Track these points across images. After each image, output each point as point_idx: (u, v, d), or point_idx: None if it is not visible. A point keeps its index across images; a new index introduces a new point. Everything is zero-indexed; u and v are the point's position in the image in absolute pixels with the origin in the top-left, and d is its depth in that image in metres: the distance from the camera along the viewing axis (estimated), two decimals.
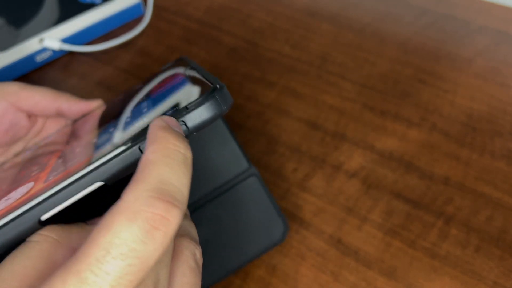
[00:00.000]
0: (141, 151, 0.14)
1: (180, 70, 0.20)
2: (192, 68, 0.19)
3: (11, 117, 0.20)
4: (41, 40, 0.36)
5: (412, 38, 0.39)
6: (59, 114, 0.22)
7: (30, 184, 0.16)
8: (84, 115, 0.23)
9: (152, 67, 0.37)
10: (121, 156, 0.14)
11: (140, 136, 0.14)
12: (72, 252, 0.13)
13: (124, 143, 0.15)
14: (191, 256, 0.14)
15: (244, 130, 0.32)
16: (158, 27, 0.41)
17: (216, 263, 0.22)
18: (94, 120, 0.21)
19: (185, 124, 0.14)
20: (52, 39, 0.36)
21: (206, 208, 0.22)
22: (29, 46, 0.36)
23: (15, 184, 0.17)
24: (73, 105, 0.22)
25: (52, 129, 0.23)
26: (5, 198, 0.16)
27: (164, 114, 0.15)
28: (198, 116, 0.14)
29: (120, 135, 0.16)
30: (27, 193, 0.15)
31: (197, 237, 0.15)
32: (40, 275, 0.12)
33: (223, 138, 0.21)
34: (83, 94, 0.35)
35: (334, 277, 0.24)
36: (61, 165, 0.16)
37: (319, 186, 0.28)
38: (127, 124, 0.17)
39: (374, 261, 0.24)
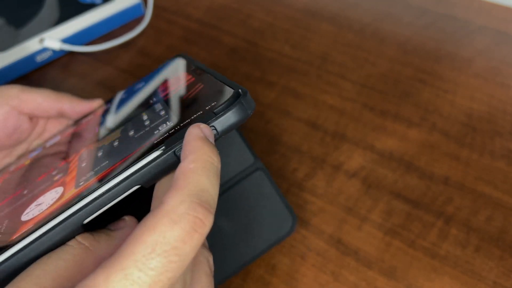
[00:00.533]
0: (177, 156, 0.15)
1: (193, 72, 0.20)
2: (206, 72, 0.19)
3: (14, 121, 0.21)
4: (41, 40, 0.36)
5: (412, 38, 0.39)
6: (61, 115, 0.22)
7: (60, 189, 0.16)
8: (86, 115, 0.23)
9: (152, 67, 0.37)
10: (157, 160, 0.15)
11: (175, 141, 0.15)
12: (100, 260, 0.14)
13: (157, 148, 0.15)
14: (206, 262, 0.15)
15: (244, 130, 0.32)
16: (158, 27, 0.41)
17: (227, 259, 0.22)
18: (98, 119, 0.21)
19: (216, 129, 0.15)
20: (52, 39, 0.36)
21: None
22: (29, 46, 0.36)
23: (36, 188, 0.17)
24: (75, 106, 0.22)
25: (53, 130, 0.23)
26: (36, 202, 0.16)
27: (192, 118, 0.16)
28: (226, 121, 0.15)
29: (140, 138, 0.17)
30: (60, 197, 0.16)
31: (207, 244, 0.16)
32: (71, 278, 0.13)
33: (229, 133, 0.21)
34: (84, 94, 0.35)
35: (334, 277, 0.24)
36: (87, 169, 0.17)
37: (319, 186, 0.28)
38: (143, 124, 0.18)
39: (374, 261, 0.24)
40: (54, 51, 0.37)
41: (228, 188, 0.22)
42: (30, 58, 0.36)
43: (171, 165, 0.15)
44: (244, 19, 0.42)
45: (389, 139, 0.30)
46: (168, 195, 0.13)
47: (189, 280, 0.14)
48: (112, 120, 0.21)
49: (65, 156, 0.20)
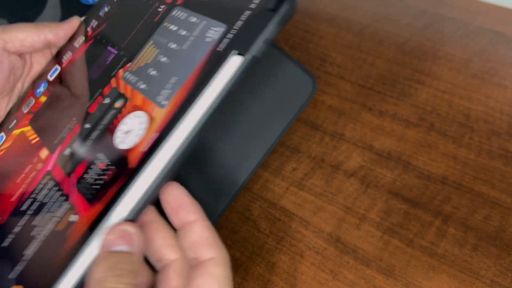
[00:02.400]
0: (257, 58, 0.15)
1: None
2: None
3: (7, 62, 0.20)
4: None
5: (411, 39, 0.39)
6: (46, 45, 0.22)
7: (142, 113, 0.16)
8: (68, 38, 0.22)
9: None
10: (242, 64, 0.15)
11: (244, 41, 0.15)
12: None
13: (228, 53, 0.15)
14: None
15: None
16: None
17: (264, 131, 0.22)
18: (97, 42, 0.20)
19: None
20: None
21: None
22: None
23: (97, 119, 0.17)
24: (58, 31, 0.22)
25: (40, 62, 0.22)
26: (121, 131, 0.16)
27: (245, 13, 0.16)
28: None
29: (190, 49, 0.16)
30: (152, 120, 0.15)
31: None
32: None
33: None
34: None
35: (333, 275, 0.24)
36: (156, 88, 0.16)
37: (318, 186, 0.28)
38: (178, 34, 0.17)
39: (372, 259, 0.24)
40: None
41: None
42: None
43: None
44: None
45: (388, 139, 0.31)
46: None
47: None
48: (118, 39, 0.19)
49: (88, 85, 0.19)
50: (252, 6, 0.16)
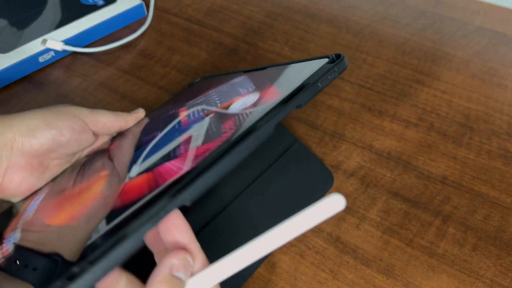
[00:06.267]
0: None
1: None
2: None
3: (85, 138, 0.24)
4: (44, 41, 0.36)
5: (410, 39, 0.39)
6: (118, 131, 0.27)
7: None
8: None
9: (153, 68, 0.38)
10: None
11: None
12: None
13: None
14: None
15: None
16: (159, 28, 0.42)
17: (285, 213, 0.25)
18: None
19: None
20: (54, 40, 0.36)
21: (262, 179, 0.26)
22: (32, 47, 0.36)
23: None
24: (129, 121, 0.27)
25: (104, 138, 0.27)
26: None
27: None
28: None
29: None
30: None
31: None
32: None
33: None
34: (86, 94, 0.35)
35: (333, 275, 0.24)
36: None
37: None
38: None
39: (372, 259, 0.24)
40: (56, 52, 0.37)
41: (273, 162, 0.26)
42: (33, 58, 0.36)
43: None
44: (244, 20, 0.42)
45: (387, 139, 0.31)
46: None
47: None
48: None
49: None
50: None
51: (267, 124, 0.18)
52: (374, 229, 0.26)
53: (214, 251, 0.19)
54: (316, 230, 0.26)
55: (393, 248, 0.25)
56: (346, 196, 0.27)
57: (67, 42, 0.37)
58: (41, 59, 0.37)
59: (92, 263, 0.14)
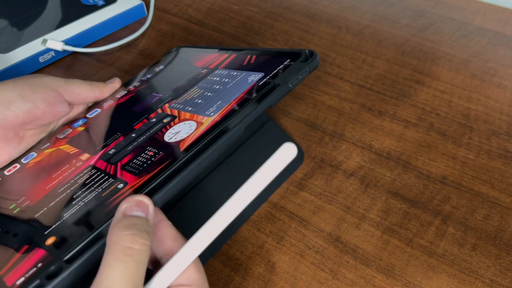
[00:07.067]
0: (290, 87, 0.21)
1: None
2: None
3: (60, 107, 0.24)
4: (44, 41, 0.36)
5: (410, 40, 0.39)
6: (94, 100, 0.27)
7: (191, 122, 0.21)
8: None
9: None
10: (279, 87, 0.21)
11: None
12: None
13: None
14: None
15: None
16: (159, 28, 0.42)
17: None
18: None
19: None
20: (54, 40, 0.36)
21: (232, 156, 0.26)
22: (32, 47, 0.36)
23: (145, 132, 0.22)
24: (105, 91, 0.27)
25: (78, 109, 0.27)
26: (172, 131, 0.21)
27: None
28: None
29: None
30: (198, 127, 0.21)
31: None
32: None
33: None
34: None
35: (332, 275, 0.24)
36: (204, 106, 0.23)
37: (318, 185, 0.28)
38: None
39: (372, 259, 0.24)
40: (56, 52, 0.37)
41: (245, 140, 0.26)
42: (33, 58, 0.36)
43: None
44: (244, 20, 0.42)
45: (387, 139, 0.31)
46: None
47: None
48: (162, 89, 0.26)
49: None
50: (285, 63, 0.22)
51: (239, 125, 0.19)
52: (374, 229, 0.26)
53: (186, 227, 0.20)
54: (316, 230, 0.26)
55: (393, 248, 0.25)
56: (346, 196, 0.27)
57: (67, 42, 0.37)
58: (41, 59, 0.37)
59: (70, 262, 0.15)
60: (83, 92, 0.25)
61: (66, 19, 0.38)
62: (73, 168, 0.22)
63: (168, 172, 0.18)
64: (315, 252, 0.25)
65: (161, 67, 0.30)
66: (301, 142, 0.31)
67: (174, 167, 0.18)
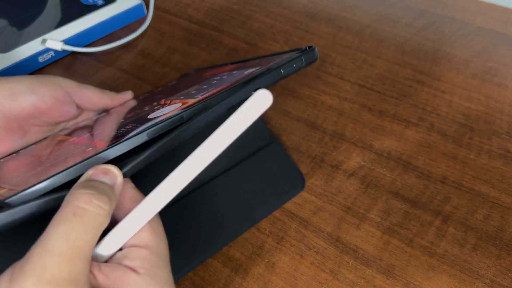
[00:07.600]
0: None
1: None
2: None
3: (69, 110, 0.24)
4: (44, 41, 0.36)
5: (410, 39, 0.39)
6: (103, 108, 0.27)
7: (178, 104, 0.21)
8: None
9: (153, 68, 0.37)
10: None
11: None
12: None
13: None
14: None
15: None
16: (159, 28, 0.42)
17: (252, 212, 0.26)
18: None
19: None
20: (54, 40, 0.36)
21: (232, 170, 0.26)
22: (32, 47, 0.36)
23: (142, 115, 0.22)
24: (115, 100, 0.27)
25: (87, 114, 0.27)
26: (160, 111, 0.21)
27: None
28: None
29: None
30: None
31: None
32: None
33: None
34: None
35: (333, 275, 0.24)
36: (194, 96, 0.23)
37: (318, 185, 0.28)
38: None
39: (372, 259, 0.24)
40: (56, 52, 0.37)
41: (247, 157, 0.26)
42: (33, 58, 0.36)
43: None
44: (244, 20, 0.42)
45: (387, 139, 0.31)
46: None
47: None
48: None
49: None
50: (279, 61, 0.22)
51: (221, 103, 0.19)
52: (374, 229, 0.26)
53: (184, 224, 0.20)
54: (316, 230, 0.26)
55: (393, 248, 0.25)
56: (346, 196, 0.27)
57: (67, 42, 0.37)
58: (41, 59, 0.37)
59: (13, 206, 0.16)
60: (94, 97, 0.25)
61: (65, 19, 0.38)
62: (58, 145, 0.22)
63: (136, 137, 0.17)
64: (315, 252, 0.25)
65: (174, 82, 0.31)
66: (301, 142, 0.31)
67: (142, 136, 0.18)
